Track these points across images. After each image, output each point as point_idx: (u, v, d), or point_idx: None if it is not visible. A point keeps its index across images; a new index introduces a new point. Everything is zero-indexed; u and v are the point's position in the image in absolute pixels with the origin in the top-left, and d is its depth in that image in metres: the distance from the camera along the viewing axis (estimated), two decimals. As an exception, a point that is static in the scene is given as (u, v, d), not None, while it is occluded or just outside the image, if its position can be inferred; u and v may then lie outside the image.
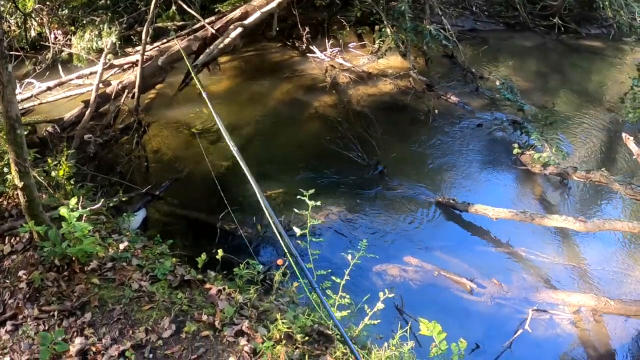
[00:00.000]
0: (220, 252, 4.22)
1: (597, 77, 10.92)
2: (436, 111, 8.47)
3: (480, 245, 6.03)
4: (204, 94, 4.66)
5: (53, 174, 5.38)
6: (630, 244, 6.15)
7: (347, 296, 3.61)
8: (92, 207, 4.80)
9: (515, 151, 7.20)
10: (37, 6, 10.20)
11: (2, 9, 3.60)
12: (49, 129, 7.11)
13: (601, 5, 11.77)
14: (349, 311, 3.66)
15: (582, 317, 5.13)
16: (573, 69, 11.19)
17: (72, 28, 10.48)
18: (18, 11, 9.58)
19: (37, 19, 10.52)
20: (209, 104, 4.21)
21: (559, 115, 8.51)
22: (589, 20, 13.01)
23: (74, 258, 4.23)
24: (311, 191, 3.71)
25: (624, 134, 6.63)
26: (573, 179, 6.62)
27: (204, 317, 3.81)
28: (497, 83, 8.76)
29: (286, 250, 3.26)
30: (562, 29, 12.28)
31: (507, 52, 11.51)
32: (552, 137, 7.93)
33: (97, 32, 10.06)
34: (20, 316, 3.92)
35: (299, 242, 3.90)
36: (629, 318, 5.09)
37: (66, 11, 10.49)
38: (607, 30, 12.63)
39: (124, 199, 5.70)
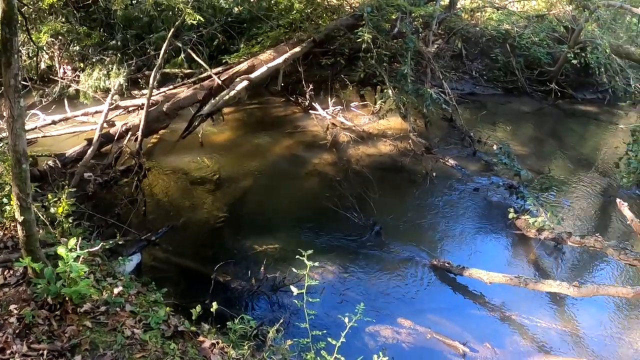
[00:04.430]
0: (215, 305, 4.20)
1: (592, 142, 11.17)
2: (434, 174, 8.52)
3: (474, 309, 6.01)
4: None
5: (52, 210, 5.36)
6: (624, 309, 6.15)
7: (342, 358, 3.59)
8: (90, 249, 4.77)
9: (510, 215, 7.24)
10: (49, 39, 10.40)
11: (19, 42, 3.70)
12: (50, 162, 7.11)
13: (597, 72, 12.04)
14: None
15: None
16: (569, 134, 11.41)
17: (82, 65, 10.68)
18: (31, 43, 9.71)
19: (48, 52, 10.72)
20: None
21: (555, 180, 8.58)
22: (585, 85, 13.34)
23: (67, 298, 4.19)
24: (309, 251, 3.72)
25: (618, 200, 6.59)
26: (567, 244, 6.64)
27: (196, 371, 3.77)
28: (495, 147, 8.87)
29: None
30: (559, 94, 12.60)
31: (504, 116, 11.73)
32: (547, 202, 8.00)
33: (105, 72, 10.27)
34: (8, 351, 3.80)
35: (295, 301, 3.89)
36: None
37: (77, 48, 10.74)
38: (603, 96, 13.00)
39: (120, 242, 5.67)
